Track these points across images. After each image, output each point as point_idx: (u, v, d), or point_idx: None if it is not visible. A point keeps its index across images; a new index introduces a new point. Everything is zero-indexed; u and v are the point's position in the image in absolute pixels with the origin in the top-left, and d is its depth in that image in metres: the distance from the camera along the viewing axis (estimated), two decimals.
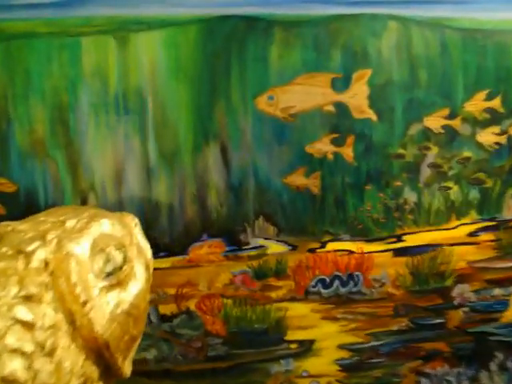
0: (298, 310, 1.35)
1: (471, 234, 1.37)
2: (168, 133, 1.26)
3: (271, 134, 1.26)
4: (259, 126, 1.25)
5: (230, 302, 1.33)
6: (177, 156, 1.27)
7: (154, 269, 1.36)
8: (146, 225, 1.30)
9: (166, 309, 1.33)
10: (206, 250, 1.31)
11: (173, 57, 1.23)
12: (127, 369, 0.72)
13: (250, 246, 1.31)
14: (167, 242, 1.32)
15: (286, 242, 1.31)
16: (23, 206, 1.30)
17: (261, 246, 1.31)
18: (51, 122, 1.26)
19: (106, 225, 0.69)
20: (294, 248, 1.32)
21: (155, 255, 1.33)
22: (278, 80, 1.23)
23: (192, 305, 1.33)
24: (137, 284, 0.70)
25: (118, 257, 0.68)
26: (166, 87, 1.24)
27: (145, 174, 1.28)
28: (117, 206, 1.30)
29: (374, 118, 1.26)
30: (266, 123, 1.25)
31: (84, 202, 1.30)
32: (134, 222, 0.76)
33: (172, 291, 1.33)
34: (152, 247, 1.34)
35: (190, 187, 1.28)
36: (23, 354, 0.58)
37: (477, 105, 1.30)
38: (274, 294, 1.33)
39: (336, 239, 1.32)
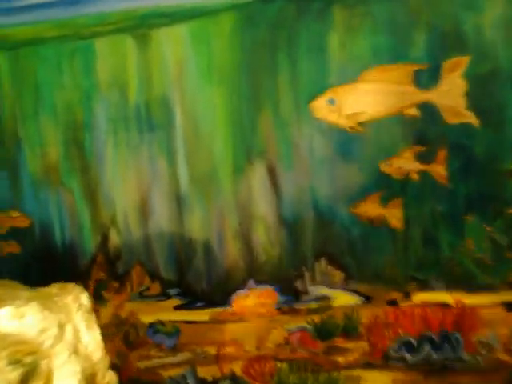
0: (376, 380, 0.99)
1: None
2: (201, 151, 1.00)
3: (334, 150, 0.94)
4: (317, 140, 0.95)
5: (285, 366, 1.02)
6: (213, 181, 1.00)
7: (191, 322, 1.12)
8: (179, 268, 1.05)
9: (207, 372, 1.05)
10: (254, 300, 1.03)
11: (204, 55, 0.96)
12: None
13: (310, 297, 1.00)
14: (205, 289, 1.04)
15: (357, 292, 0.99)
16: (39, 243, 1.10)
17: (324, 297, 1.00)
18: (64, 144, 1.04)
19: (2, 319, 0.44)
20: (368, 299, 0.99)
21: (191, 305, 1.09)
22: (340, 77, 0.92)
23: (238, 368, 1.03)
24: None
25: (11, 376, 0.42)
26: (196, 93, 0.97)
27: (175, 204, 1.02)
28: (142, 244, 1.06)
29: (476, 122, 0.91)
30: (327, 135, 0.94)
31: (105, 239, 1.07)
32: (77, 303, 0.50)
33: (213, 350, 1.04)
34: (187, 295, 1.09)
35: (230, 220, 1.01)
36: None
37: None
38: (342, 359, 1.00)
39: (425, 288, 0.96)
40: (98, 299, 1.07)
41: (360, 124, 0.93)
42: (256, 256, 1.00)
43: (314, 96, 0.93)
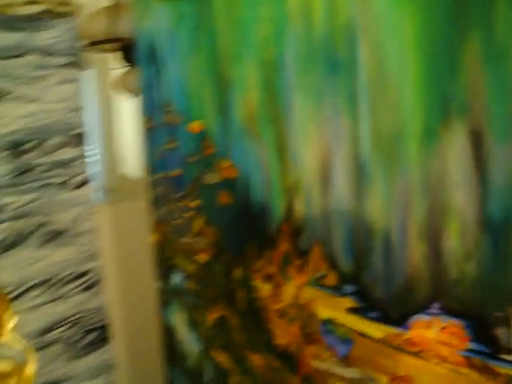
0: None
1: None
2: (386, 100, 0.71)
3: None
4: None
5: None
6: (398, 145, 0.71)
7: (363, 335, 0.86)
8: (357, 259, 0.82)
9: None
10: (436, 333, 0.70)
11: None
12: None
13: None
14: (380, 296, 0.78)
15: None
16: (242, 197, 1.04)
17: None
18: (262, 88, 0.94)
19: None
20: None
21: (365, 312, 0.84)
22: None
23: None
24: None
25: None
26: (382, 15, 0.70)
27: (355, 172, 0.78)
28: (322, 220, 0.86)
29: None
30: None
31: (291, 206, 0.92)
32: None
33: (383, 379, 0.79)
34: (363, 297, 0.85)
35: (416, 207, 0.71)
36: None
37: None
38: None
39: None
40: (282, 274, 0.96)
41: None
42: (444, 268, 0.68)
43: None
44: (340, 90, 0.77)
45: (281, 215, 0.93)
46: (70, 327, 1.37)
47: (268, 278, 1.00)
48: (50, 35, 1.30)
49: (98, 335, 1.41)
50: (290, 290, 0.94)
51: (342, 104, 0.77)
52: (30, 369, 0.54)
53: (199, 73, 1.08)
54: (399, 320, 0.74)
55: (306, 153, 0.85)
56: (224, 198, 1.08)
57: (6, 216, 1.26)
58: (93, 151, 1.41)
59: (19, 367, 0.53)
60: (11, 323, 0.57)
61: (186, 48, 1.11)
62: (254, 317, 1.05)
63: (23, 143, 1.26)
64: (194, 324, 1.27)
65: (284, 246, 0.94)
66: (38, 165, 1.28)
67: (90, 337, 1.40)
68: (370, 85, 0.72)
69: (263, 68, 0.91)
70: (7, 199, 1.25)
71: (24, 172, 1.26)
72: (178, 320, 1.33)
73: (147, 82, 1.27)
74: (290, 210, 0.91)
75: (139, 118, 1.34)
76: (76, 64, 1.33)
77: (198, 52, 1.08)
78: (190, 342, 1.30)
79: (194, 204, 1.18)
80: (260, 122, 0.94)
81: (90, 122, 1.41)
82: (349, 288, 0.82)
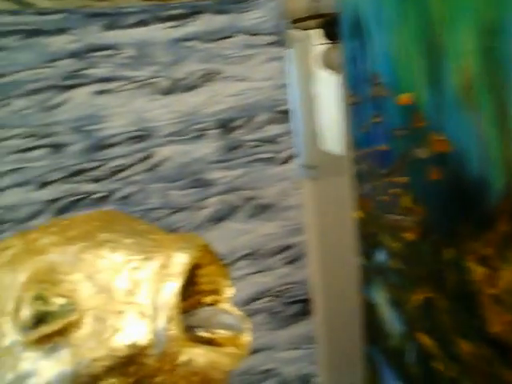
0: None
1: None
2: None
3: None
4: None
5: None
6: None
7: None
8: None
9: None
10: None
11: None
12: None
13: None
14: None
15: None
16: (454, 173, 1.00)
17: None
18: (481, 55, 0.88)
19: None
20: None
21: None
22: None
23: None
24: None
25: (24, 311, 0.39)
26: None
27: None
28: None
29: None
30: None
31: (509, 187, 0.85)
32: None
33: None
34: None
35: None
36: None
37: None
38: None
39: None
40: (500, 257, 0.91)
41: None
42: None
43: None
44: None
45: (501, 192, 0.89)
46: (273, 298, 1.48)
47: (483, 260, 0.96)
48: (255, 15, 1.39)
49: (300, 308, 1.49)
50: (508, 275, 0.90)
51: None
52: (246, 338, 0.57)
53: (408, 42, 1.07)
54: None
55: None
56: (434, 174, 1.06)
57: (218, 190, 1.40)
58: (295, 128, 1.49)
59: (236, 335, 0.57)
60: (228, 292, 0.60)
61: (393, 17, 1.10)
62: (465, 300, 1.02)
63: (233, 120, 1.38)
64: (396, 303, 1.27)
65: (503, 227, 0.89)
66: (247, 141, 1.39)
67: (293, 309, 1.49)
68: None
69: (482, 33, 0.87)
70: (218, 174, 1.38)
71: (234, 148, 1.38)
72: (380, 298, 1.34)
73: (351, 56, 1.29)
74: (511, 189, 0.87)
75: (342, 94, 1.37)
76: (281, 42, 1.41)
77: (406, 20, 1.06)
78: (392, 321, 1.31)
79: (401, 180, 1.18)
80: (478, 92, 0.90)
81: (293, 99, 1.48)
82: None
